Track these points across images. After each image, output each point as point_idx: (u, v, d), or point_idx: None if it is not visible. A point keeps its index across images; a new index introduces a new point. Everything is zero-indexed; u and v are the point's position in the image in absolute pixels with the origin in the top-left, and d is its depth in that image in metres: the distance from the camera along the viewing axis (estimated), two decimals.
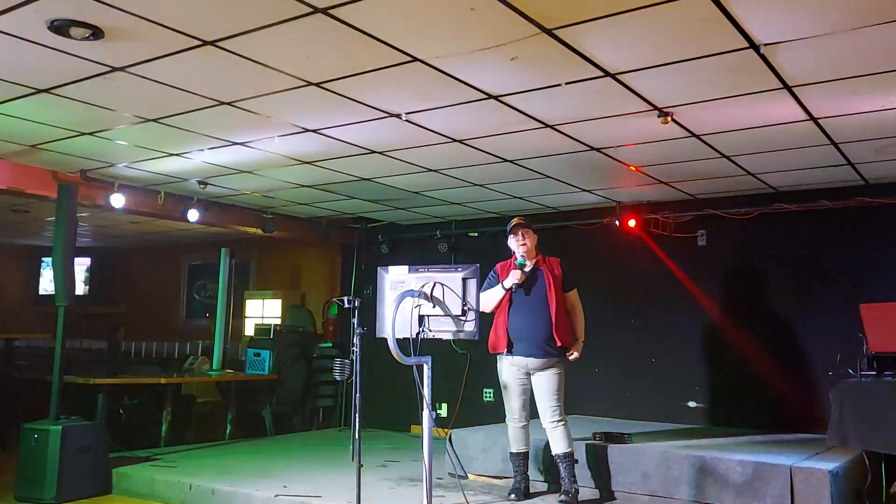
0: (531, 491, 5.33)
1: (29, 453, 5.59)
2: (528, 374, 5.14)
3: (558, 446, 5.06)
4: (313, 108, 4.73)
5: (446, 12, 3.31)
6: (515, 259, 5.22)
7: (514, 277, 5.12)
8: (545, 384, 5.07)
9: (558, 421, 5.04)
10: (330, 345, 9.23)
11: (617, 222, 7.53)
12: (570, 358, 5.13)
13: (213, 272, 9.59)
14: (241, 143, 5.59)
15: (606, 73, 4.04)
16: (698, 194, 7.12)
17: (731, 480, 4.92)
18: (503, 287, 5.16)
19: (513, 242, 5.26)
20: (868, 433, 4.74)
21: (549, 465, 5.47)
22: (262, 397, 8.50)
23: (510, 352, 5.15)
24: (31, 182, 6.37)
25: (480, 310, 5.18)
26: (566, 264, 5.34)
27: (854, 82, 4.14)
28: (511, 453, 5.31)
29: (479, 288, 4.63)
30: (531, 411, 5.23)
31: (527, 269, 5.16)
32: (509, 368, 5.18)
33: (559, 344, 5.06)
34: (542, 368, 5.08)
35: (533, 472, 5.46)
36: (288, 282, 10.27)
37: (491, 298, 5.19)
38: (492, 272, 5.34)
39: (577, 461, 5.14)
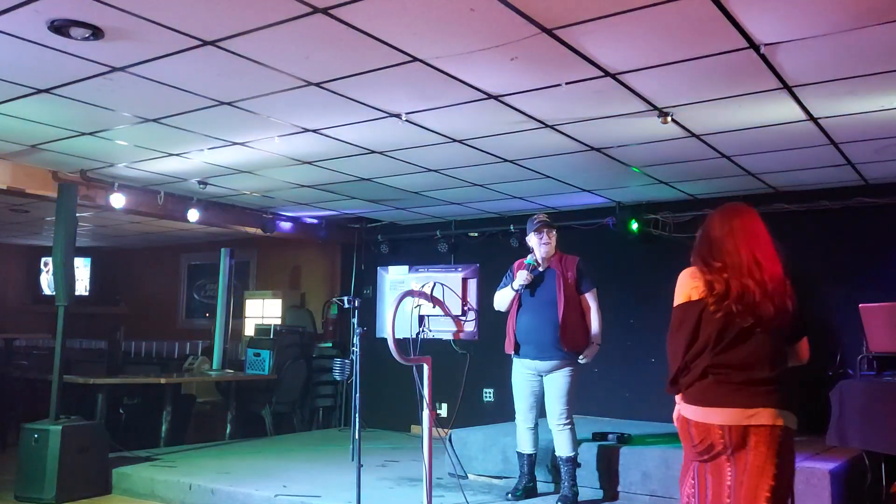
0: (539, 491, 5.30)
1: (29, 453, 5.59)
2: (540, 376, 5.06)
3: (561, 449, 5.04)
4: (313, 108, 4.73)
5: (446, 12, 3.31)
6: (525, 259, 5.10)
7: (521, 279, 5.01)
8: (555, 386, 5.00)
9: (565, 424, 4.99)
10: (330, 345, 9.22)
11: (617, 223, 7.52)
12: (581, 361, 5.04)
13: (213, 272, 9.59)
14: (241, 143, 5.59)
15: (606, 73, 4.04)
16: (698, 194, 7.12)
17: None
18: (512, 288, 5.08)
19: (534, 240, 5.07)
20: (868, 433, 4.73)
21: (556, 465, 5.45)
22: (262, 397, 8.50)
23: (518, 353, 5.10)
24: (31, 182, 6.38)
25: (496, 308, 5.18)
26: (584, 264, 5.14)
27: (854, 82, 4.13)
28: (517, 452, 5.28)
29: (479, 288, 4.61)
30: (541, 412, 5.17)
31: (540, 268, 5.05)
32: (519, 369, 5.13)
33: (565, 349, 4.96)
34: (552, 370, 5.00)
35: (543, 473, 5.45)
36: (288, 282, 10.27)
37: (502, 298, 5.16)
38: (509, 270, 5.24)
39: (579, 465, 5.12)
